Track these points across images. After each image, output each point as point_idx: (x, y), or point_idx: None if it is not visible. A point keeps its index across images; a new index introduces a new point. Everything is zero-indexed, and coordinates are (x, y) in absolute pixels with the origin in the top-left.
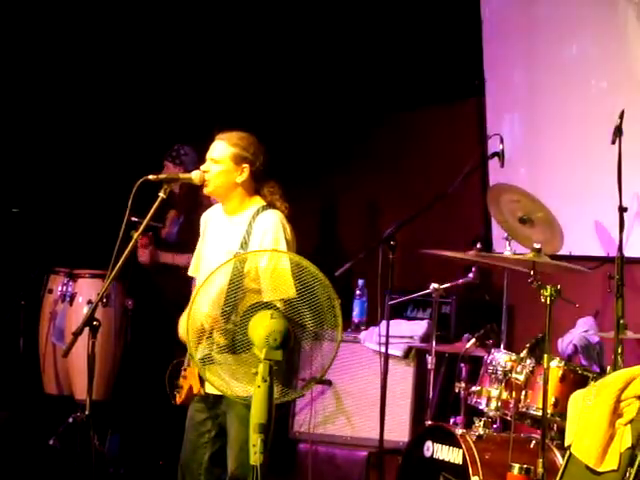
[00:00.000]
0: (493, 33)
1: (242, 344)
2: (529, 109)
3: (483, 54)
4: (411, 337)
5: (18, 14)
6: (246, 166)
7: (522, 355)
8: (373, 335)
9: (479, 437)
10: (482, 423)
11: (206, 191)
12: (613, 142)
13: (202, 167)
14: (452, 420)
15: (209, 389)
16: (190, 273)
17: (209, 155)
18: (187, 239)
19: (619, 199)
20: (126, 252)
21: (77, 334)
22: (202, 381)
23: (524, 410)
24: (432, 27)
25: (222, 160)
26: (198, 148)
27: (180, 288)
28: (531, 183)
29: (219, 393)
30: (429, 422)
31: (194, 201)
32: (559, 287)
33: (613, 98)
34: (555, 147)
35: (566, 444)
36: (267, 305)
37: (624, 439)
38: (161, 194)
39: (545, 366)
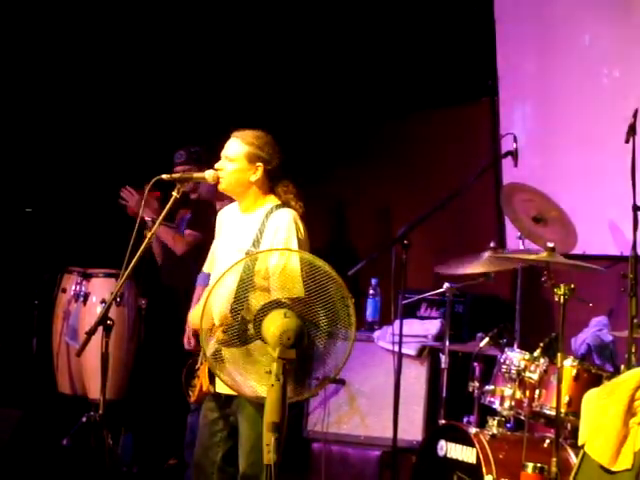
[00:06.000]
0: (506, 32)
1: (253, 340)
2: (542, 108)
3: (496, 54)
4: (424, 336)
5: (24, 17)
6: (260, 165)
7: (536, 354)
8: (387, 334)
9: (493, 436)
10: (496, 422)
11: (220, 188)
12: (627, 141)
13: (216, 165)
14: (465, 419)
15: (220, 388)
16: (205, 269)
17: (224, 153)
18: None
19: (633, 198)
20: (139, 251)
21: (91, 333)
22: (213, 379)
23: (538, 409)
24: (444, 28)
25: (236, 158)
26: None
27: (192, 287)
28: (544, 182)
29: (231, 392)
30: (443, 421)
31: (212, 213)
32: (573, 286)
33: (627, 92)
34: (569, 146)
35: (580, 443)
36: (281, 304)
37: (638, 438)
38: (174, 193)
39: (559, 365)
